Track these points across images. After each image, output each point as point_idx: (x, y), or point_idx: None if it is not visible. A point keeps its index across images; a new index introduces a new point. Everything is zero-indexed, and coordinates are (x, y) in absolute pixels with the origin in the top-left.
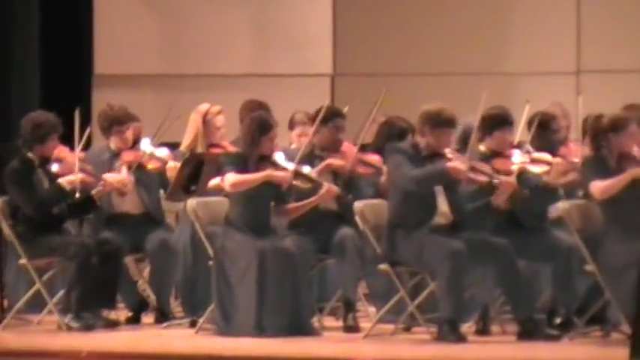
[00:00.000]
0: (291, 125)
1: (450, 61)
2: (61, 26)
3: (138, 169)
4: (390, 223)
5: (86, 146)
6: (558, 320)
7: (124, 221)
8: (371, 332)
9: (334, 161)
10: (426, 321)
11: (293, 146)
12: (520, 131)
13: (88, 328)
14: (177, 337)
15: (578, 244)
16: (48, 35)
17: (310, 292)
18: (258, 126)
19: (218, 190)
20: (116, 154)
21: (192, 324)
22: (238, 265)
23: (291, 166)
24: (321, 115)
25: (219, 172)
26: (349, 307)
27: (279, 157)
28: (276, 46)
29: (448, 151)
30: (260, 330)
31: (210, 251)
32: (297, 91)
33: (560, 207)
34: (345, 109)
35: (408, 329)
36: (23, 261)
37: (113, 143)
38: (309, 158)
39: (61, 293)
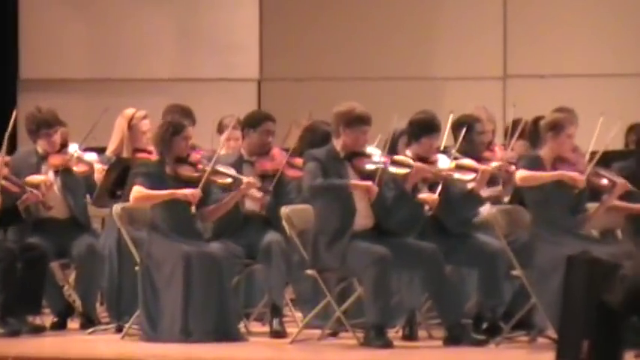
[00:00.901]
0: (220, 130)
1: (376, 66)
2: None
3: (64, 173)
4: (313, 228)
5: (10, 150)
6: (485, 325)
7: (49, 226)
8: (298, 337)
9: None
10: (352, 326)
11: (222, 151)
12: (445, 137)
13: (14, 333)
14: (103, 342)
15: (504, 248)
16: None
17: (237, 297)
18: (170, 127)
19: None
20: (43, 158)
21: (118, 329)
22: (164, 270)
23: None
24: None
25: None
26: (276, 312)
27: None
28: (202, 51)
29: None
30: (186, 335)
31: (137, 256)
32: (223, 95)
33: (486, 212)
34: None
35: (334, 334)
36: None
37: (40, 146)
38: (239, 163)
39: None
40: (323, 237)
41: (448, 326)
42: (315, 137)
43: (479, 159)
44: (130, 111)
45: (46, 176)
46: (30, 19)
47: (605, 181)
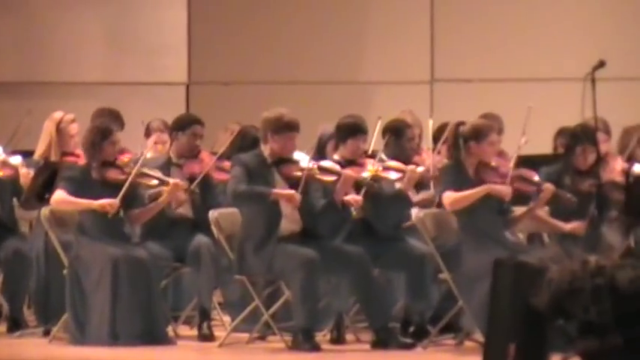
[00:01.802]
0: (148, 133)
1: (305, 70)
2: None
3: None
4: (240, 233)
5: None
6: (412, 328)
7: None
8: (226, 341)
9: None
10: (280, 330)
11: (149, 155)
12: (374, 142)
13: None
14: (31, 345)
15: (432, 252)
16: None
17: (165, 301)
18: (98, 131)
19: None
20: None
21: (46, 333)
22: (92, 273)
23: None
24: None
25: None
26: (204, 315)
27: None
28: (131, 54)
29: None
30: (114, 338)
31: (65, 260)
32: (152, 99)
33: (414, 216)
34: None
35: (262, 338)
36: None
37: None
38: (167, 166)
39: None
40: (249, 242)
41: (376, 330)
42: (244, 142)
43: (408, 164)
44: (58, 114)
45: None
46: None
47: (529, 187)
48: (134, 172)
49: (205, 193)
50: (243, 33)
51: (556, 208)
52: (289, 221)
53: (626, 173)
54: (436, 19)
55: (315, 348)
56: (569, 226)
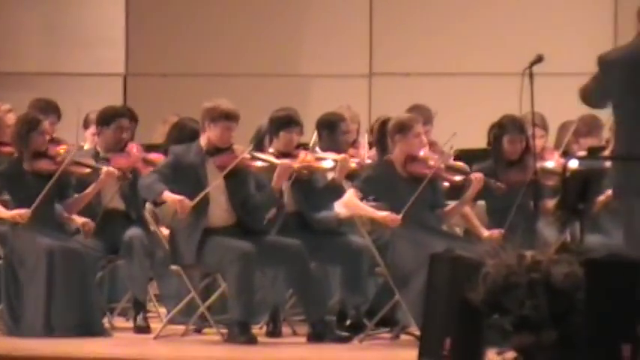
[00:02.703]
0: (86, 124)
1: (243, 63)
2: None
3: None
4: (171, 224)
5: None
6: (348, 322)
7: None
8: (161, 333)
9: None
10: (216, 322)
11: (86, 146)
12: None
13: None
14: None
15: (368, 245)
16: None
17: (100, 293)
18: (25, 122)
19: None
20: None
21: None
22: (27, 265)
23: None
24: None
25: None
26: (139, 307)
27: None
28: (68, 45)
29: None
30: (49, 330)
31: (0, 251)
32: (89, 90)
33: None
34: None
35: (198, 330)
36: None
37: None
38: (94, 160)
39: None
40: (179, 232)
41: (312, 323)
42: (182, 134)
43: None
44: None
45: None
46: None
47: (457, 177)
48: (65, 162)
49: (136, 186)
50: (181, 25)
51: (490, 202)
52: (222, 211)
53: (563, 168)
54: (375, 13)
55: (251, 341)
56: (487, 233)
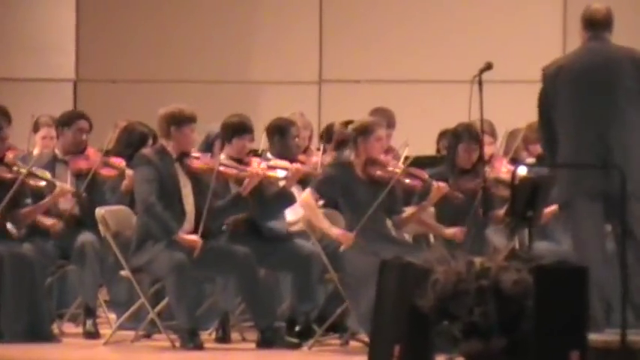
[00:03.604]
0: (35, 128)
1: (193, 69)
2: None
3: None
4: (138, 229)
5: None
6: (298, 328)
7: None
8: (111, 339)
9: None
10: (166, 328)
11: (35, 151)
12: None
13: None
14: None
15: (318, 252)
16: None
17: (50, 298)
18: None
19: None
20: None
21: None
22: None
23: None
24: None
25: None
26: (89, 313)
27: None
28: (18, 51)
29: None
30: None
31: None
32: (40, 95)
33: (301, 217)
34: None
35: (148, 336)
36: None
37: None
38: (53, 162)
39: None
40: (142, 239)
41: (261, 329)
42: (132, 138)
43: (293, 162)
44: None
45: None
46: None
47: (416, 183)
48: (25, 171)
49: (92, 191)
50: (131, 31)
51: (441, 208)
52: (187, 221)
53: (512, 175)
54: (325, 20)
55: (200, 347)
56: (450, 231)
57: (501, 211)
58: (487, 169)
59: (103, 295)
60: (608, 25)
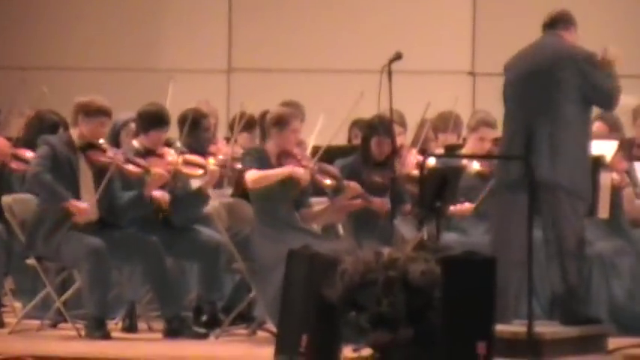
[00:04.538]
0: None
1: (102, 57)
2: None
3: None
4: (34, 215)
5: None
6: (205, 318)
7: None
8: (16, 328)
9: None
10: (72, 317)
11: None
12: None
13: None
14: None
15: (226, 242)
16: None
17: None
18: None
19: None
20: None
21: None
22: None
23: None
24: None
25: None
26: None
27: None
28: None
29: (102, 142)
30: None
31: None
32: None
33: (209, 205)
34: None
35: (54, 325)
36: None
37: None
38: None
39: None
40: (42, 226)
41: (168, 319)
42: (42, 126)
43: (204, 154)
44: None
45: None
46: None
47: (328, 181)
48: None
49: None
50: (37, 17)
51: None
52: (89, 208)
53: (420, 166)
54: (234, 8)
55: (107, 336)
56: (377, 201)
57: (409, 206)
58: (397, 159)
59: (9, 283)
60: (559, 23)
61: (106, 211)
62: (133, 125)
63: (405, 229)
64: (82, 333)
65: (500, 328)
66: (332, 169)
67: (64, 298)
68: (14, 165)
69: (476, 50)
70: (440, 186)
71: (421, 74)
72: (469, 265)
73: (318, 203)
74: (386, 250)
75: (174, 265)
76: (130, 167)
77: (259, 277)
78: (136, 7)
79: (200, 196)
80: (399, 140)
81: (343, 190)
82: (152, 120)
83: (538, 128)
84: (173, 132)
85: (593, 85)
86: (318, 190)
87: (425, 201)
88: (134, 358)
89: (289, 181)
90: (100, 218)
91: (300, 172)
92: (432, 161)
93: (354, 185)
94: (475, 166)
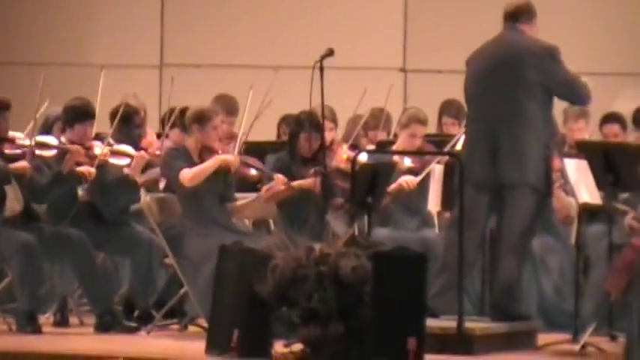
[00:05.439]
0: None
1: (32, 51)
2: None
3: None
4: None
5: None
6: (136, 313)
7: None
8: None
9: None
10: (4, 311)
11: None
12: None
13: None
14: None
15: (157, 237)
16: None
17: None
18: None
19: None
20: None
21: None
22: None
23: None
24: None
25: None
26: None
27: None
28: None
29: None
30: None
31: None
32: None
33: (140, 200)
34: None
35: None
36: None
37: None
38: None
39: None
40: None
41: (99, 313)
42: None
43: (136, 149)
44: None
45: None
46: None
47: (253, 172)
48: None
49: None
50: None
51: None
52: (10, 200)
53: (352, 161)
54: (166, 3)
55: (38, 330)
56: (308, 181)
57: (340, 200)
58: (328, 155)
59: None
60: (521, 16)
61: (29, 201)
62: None
63: (337, 224)
64: (13, 327)
65: (430, 323)
66: (255, 160)
67: None
68: None
69: (407, 47)
70: (371, 182)
71: (353, 70)
72: (400, 261)
73: (244, 198)
74: (317, 246)
75: (106, 260)
76: (43, 151)
77: (190, 272)
78: (68, 2)
79: (127, 182)
80: (330, 136)
81: (270, 180)
82: (77, 114)
83: (502, 130)
84: (105, 127)
85: (558, 81)
86: (243, 185)
87: (356, 197)
88: (66, 353)
89: (220, 171)
90: (25, 209)
91: (230, 158)
92: (363, 157)
93: (280, 178)
94: (406, 162)
